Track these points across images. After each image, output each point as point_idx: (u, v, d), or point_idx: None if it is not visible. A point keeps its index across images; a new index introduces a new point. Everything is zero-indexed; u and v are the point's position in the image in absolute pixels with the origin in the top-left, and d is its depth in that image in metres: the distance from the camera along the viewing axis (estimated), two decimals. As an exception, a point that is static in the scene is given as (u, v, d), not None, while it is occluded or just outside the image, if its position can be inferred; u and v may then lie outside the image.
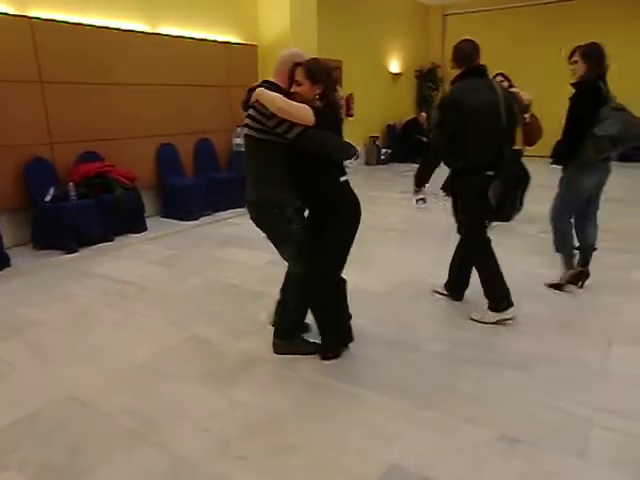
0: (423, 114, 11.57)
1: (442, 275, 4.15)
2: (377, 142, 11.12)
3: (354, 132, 10.56)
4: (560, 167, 3.57)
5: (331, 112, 2.57)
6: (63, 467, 2.04)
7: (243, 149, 2.79)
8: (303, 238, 2.68)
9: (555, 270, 3.85)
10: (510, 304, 3.22)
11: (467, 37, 3.18)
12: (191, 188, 6.24)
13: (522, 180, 3.21)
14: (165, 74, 6.28)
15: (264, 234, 2.77)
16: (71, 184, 5.03)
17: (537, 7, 11.12)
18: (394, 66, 11.84)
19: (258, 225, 2.76)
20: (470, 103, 2.99)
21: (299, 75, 2.51)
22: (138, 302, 3.75)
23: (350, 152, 2.62)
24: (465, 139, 3.06)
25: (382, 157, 11.07)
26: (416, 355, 2.89)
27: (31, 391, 2.59)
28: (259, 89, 2.50)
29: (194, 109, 6.67)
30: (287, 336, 2.91)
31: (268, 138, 2.53)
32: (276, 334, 2.92)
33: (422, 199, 3.31)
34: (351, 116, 10.39)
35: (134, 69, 5.94)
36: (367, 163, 11.10)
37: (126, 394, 2.55)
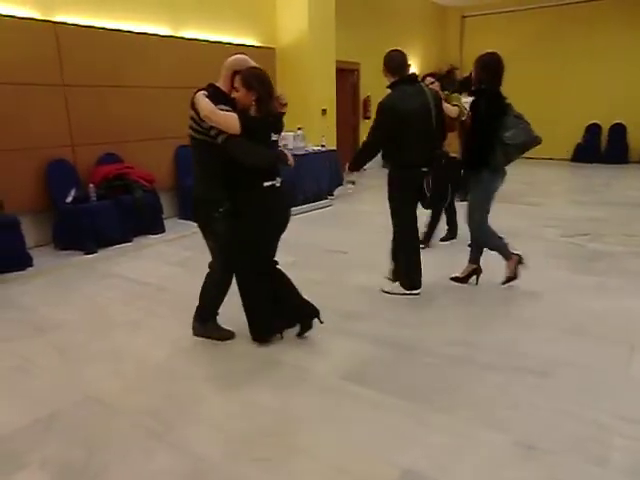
0: None
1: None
2: (394, 144, 11.08)
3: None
4: (470, 172, 3.72)
5: (262, 121, 2.73)
6: (83, 465, 2.07)
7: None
8: (224, 239, 2.91)
9: (579, 274, 3.80)
10: (415, 287, 3.73)
11: (396, 48, 3.63)
12: (209, 190, 6.28)
13: (450, 178, 3.64)
14: (184, 77, 6.33)
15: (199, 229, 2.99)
16: (91, 186, 5.11)
17: (557, 8, 11.00)
18: (411, 68, 11.79)
19: (194, 219, 3.01)
20: (404, 108, 3.38)
21: (237, 82, 2.71)
22: (155, 303, 3.79)
23: (269, 162, 2.80)
24: (401, 139, 3.45)
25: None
26: (432, 358, 2.87)
27: (52, 390, 2.65)
28: (198, 94, 2.74)
29: (212, 112, 6.72)
30: (203, 320, 3.15)
31: (204, 139, 2.77)
32: (195, 317, 3.17)
33: (352, 182, 3.91)
34: (368, 118, 10.38)
35: (154, 72, 6.03)
36: (384, 165, 11.07)
37: (144, 394, 2.59)
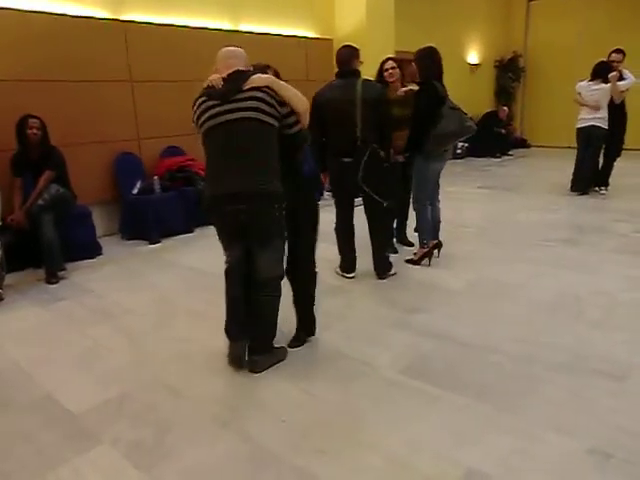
0: (505, 108, 11.09)
1: (519, 272, 3.98)
2: (453, 136, 10.81)
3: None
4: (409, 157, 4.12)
5: None
6: (152, 445, 2.15)
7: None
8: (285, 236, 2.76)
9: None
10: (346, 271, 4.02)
11: (347, 44, 3.78)
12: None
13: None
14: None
15: (247, 231, 2.62)
16: (156, 177, 5.29)
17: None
18: (472, 57, 11.44)
19: (249, 221, 2.56)
20: (322, 98, 3.65)
21: None
22: (217, 293, 3.85)
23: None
24: (326, 128, 3.67)
25: (458, 151, 10.73)
26: (497, 356, 2.77)
27: (121, 372, 2.77)
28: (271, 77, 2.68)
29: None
30: (269, 349, 2.77)
31: (276, 124, 2.53)
32: (257, 351, 2.72)
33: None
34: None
35: (212, 67, 6.14)
36: (442, 157, 10.84)
37: (208, 380, 2.65)
